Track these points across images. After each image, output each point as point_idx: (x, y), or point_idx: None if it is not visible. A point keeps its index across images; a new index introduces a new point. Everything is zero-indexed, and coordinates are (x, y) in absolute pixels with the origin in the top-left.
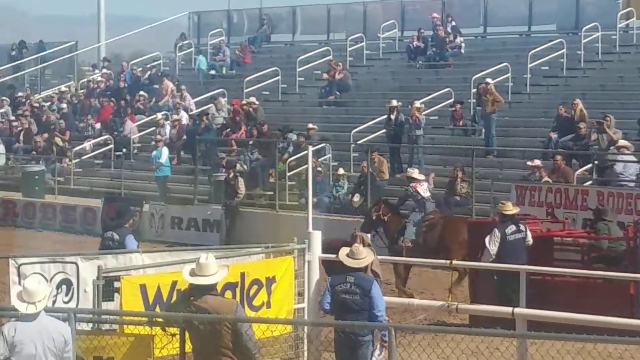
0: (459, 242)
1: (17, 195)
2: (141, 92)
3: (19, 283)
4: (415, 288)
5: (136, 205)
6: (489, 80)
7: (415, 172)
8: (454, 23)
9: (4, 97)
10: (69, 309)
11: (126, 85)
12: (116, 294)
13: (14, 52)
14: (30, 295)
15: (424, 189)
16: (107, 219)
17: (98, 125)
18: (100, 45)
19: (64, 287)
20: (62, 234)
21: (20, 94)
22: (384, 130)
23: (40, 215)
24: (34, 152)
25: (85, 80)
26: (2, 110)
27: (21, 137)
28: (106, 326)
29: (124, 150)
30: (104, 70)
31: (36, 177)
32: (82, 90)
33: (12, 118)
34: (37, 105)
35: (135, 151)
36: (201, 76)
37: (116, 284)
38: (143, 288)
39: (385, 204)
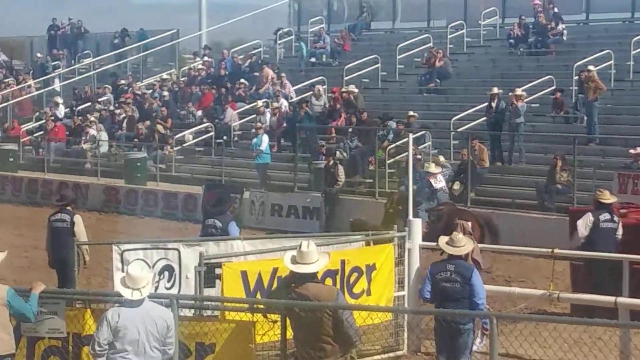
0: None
1: (119, 182)
2: (242, 80)
3: (122, 269)
4: (515, 277)
5: (236, 193)
6: (591, 67)
7: (432, 167)
8: (555, 10)
9: (106, 85)
10: (172, 295)
11: (227, 72)
12: (217, 281)
13: (116, 41)
14: (134, 281)
15: (436, 181)
16: (208, 206)
17: (199, 113)
18: (201, 33)
19: (166, 273)
20: (163, 221)
21: (122, 81)
22: (485, 118)
23: (142, 202)
24: (136, 140)
25: (186, 68)
26: (105, 98)
27: (124, 125)
28: (208, 312)
29: (225, 137)
30: (205, 58)
31: (138, 164)
32: (184, 78)
33: (115, 106)
34: (139, 93)
35: (236, 138)
36: (302, 64)
37: (217, 271)
38: (244, 275)
39: (398, 196)
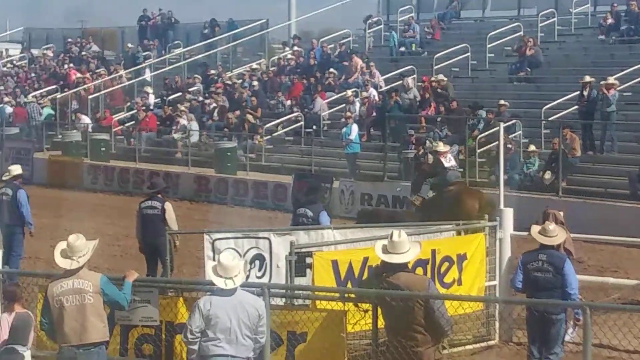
0: (466, 211)
1: (210, 171)
2: (331, 69)
3: (214, 258)
4: (608, 266)
5: (326, 182)
6: None
7: (440, 145)
8: None
9: (196, 75)
10: (263, 283)
11: (316, 62)
12: (308, 270)
13: (206, 31)
14: (225, 270)
15: (447, 159)
16: (299, 196)
17: (288, 102)
18: (290, 23)
19: (256, 262)
20: (253, 210)
21: (212, 71)
22: (576, 107)
23: (232, 191)
24: (226, 129)
25: (275, 57)
26: (195, 88)
27: (214, 115)
28: (299, 301)
29: (314, 127)
30: (295, 48)
31: (228, 153)
32: (273, 68)
33: (205, 96)
34: (229, 82)
35: (325, 128)
36: (392, 53)
37: (308, 260)
38: (335, 264)
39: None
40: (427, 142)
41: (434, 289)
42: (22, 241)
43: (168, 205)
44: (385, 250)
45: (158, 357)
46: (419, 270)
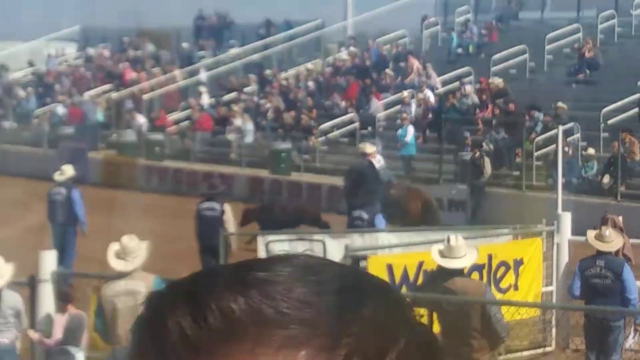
0: (412, 212)
1: (264, 172)
2: (387, 70)
3: None
4: None
5: (381, 184)
6: None
7: (366, 146)
8: None
9: (251, 75)
10: None
11: (372, 63)
12: None
13: (261, 31)
14: None
15: (376, 160)
16: (353, 198)
17: (344, 104)
18: (346, 23)
19: None
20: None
21: (267, 72)
22: (636, 110)
23: (286, 192)
24: (280, 130)
25: (331, 58)
26: (250, 89)
27: (268, 115)
28: None
29: (369, 128)
30: (350, 49)
31: (283, 154)
32: (329, 68)
33: (260, 96)
34: (284, 83)
35: (381, 129)
36: (449, 54)
37: (362, 263)
38: (389, 268)
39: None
40: (484, 144)
41: (490, 294)
42: (75, 241)
43: (227, 207)
44: (441, 254)
45: None
46: (475, 275)
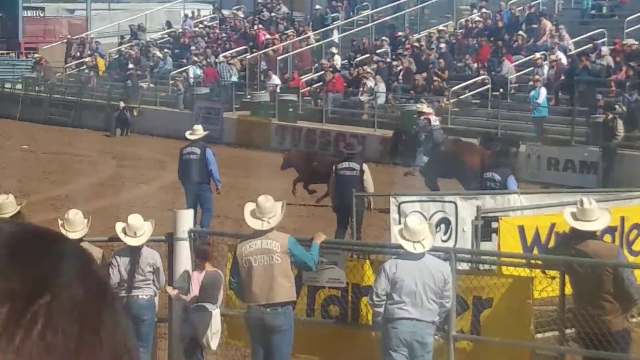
0: (466, 164)
1: None
2: (519, 32)
3: (399, 221)
4: None
5: (513, 146)
6: None
7: (424, 106)
8: None
9: (383, 37)
10: (450, 248)
11: (504, 24)
12: (494, 235)
13: None
14: (412, 234)
15: (433, 120)
16: (486, 159)
17: (475, 65)
18: None
19: (442, 226)
20: None
21: (400, 33)
22: None
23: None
24: (412, 91)
25: (463, 19)
26: (382, 50)
27: (400, 77)
28: (484, 266)
29: (501, 90)
30: (483, 10)
31: (414, 116)
32: (461, 30)
33: (392, 58)
34: (416, 44)
35: (512, 91)
36: (582, 15)
37: (494, 225)
38: (521, 229)
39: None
40: (617, 106)
41: (623, 257)
42: (211, 199)
43: (366, 167)
44: (574, 217)
45: (344, 319)
46: (607, 238)
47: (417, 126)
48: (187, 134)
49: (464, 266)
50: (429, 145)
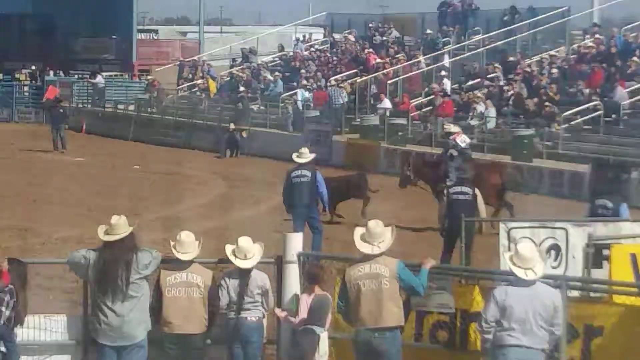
0: (490, 186)
1: (506, 158)
2: (633, 58)
3: (509, 247)
4: None
5: (625, 172)
6: None
7: (452, 127)
8: None
9: (496, 65)
10: (560, 276)
11: (617, 50)
12: (605, 262)
13: (506, 17)
14: (523, 260)
15: (461, 140)
16: (597, 186)
17: (588, 91)
18: (592, 10)
19: (552, 252)
20: (549, 198)
21: (511, 58)
22: None
23: (527, 178)
24: (522, 116)
25: (576, 45)
26: (494, 75)
27: (511, 101)
28: (595, 294)
29: (614, 115)
30: (595, 36)
31: (525, 140)
32: (573, 55)
33: (504, 82)
34: (527, 69)
35: (625, 117)
36: None
37: (605, 252)
38: (633, 257)
39: (413, 158)
40: None
41: None
42: (321, 222)
43: (478, 192)
44: None
45: (452, 345)
46: None
47: (447, 146)
48: (294, 157)
49: (575, 293)
50: (457, 164)
